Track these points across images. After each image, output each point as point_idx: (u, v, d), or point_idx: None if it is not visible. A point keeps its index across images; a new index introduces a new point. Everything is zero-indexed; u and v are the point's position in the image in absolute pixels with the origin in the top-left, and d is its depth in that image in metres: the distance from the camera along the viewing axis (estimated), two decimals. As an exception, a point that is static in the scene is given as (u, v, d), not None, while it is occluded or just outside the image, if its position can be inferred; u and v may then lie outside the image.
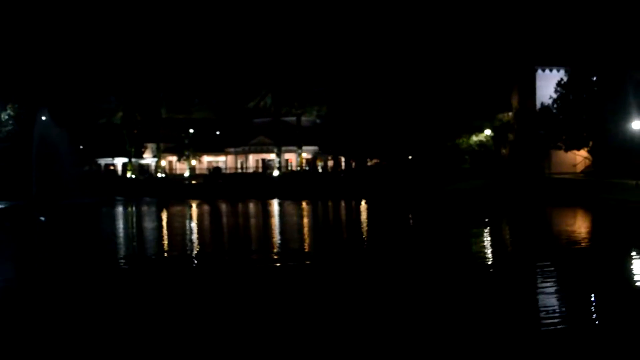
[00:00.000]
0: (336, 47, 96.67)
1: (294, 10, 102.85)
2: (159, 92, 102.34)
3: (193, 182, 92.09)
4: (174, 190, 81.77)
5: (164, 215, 49.35)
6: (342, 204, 58.42)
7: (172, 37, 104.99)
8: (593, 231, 33.90)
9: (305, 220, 42.49)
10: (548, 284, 18.41)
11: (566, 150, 70.77)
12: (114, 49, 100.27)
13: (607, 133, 65.32)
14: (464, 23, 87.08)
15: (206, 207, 57.53)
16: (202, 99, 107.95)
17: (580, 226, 36.14)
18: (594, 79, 69.02)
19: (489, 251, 25.93)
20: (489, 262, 23.03)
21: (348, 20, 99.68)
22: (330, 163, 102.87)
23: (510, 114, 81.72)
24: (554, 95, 71.17)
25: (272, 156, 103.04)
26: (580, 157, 72.98)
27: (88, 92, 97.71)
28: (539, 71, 77.20)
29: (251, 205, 58.28)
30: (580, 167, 73.33)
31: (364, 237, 32.77)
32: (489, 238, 30.83)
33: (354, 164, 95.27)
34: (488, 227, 35.54)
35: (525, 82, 79.26)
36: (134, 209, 58.05)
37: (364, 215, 47.00)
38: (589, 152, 71.54)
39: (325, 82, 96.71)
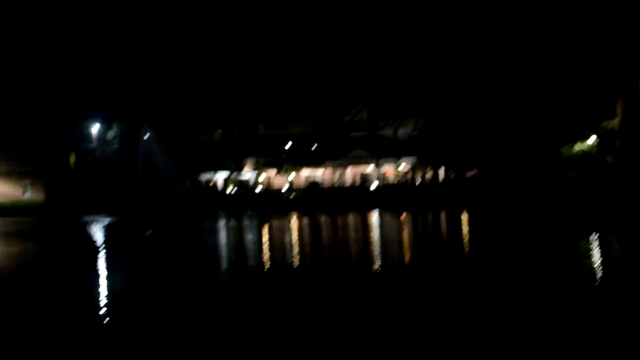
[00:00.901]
0: (432, 58, 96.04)
1: (387, 24, 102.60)
2: (256, 110, 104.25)
3: (292, 195, 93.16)
4: (274, 204, 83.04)
5: (268, 229, 50.15)
6: (445, 215, 57.99)
7: (269, 55, 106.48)
8: None
9: (405, 232, 42.45)
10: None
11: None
12: (213, 71, 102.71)
13: None
14: (566, 28, 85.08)
15: (307, 221, 58.13)
16: (299, 114, 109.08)
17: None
18: None
19: (603, 268, 25.03)
20: (603, 280, 22.27)
21: (443, 30, 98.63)
22: (429, 174, 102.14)
23: (614, 121, 79.49)
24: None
25: (369, 168, 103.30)
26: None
27: (189, 112, 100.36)
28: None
29: (351, 218, 58.55)
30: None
31: (475, 249, 32.49)
32: (604, 252, 29.81)
33: (453, 174, 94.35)
34: (602, 240, 34.31)
35: (629, 89, 76.95)
36: (237, 223, 59.17)
37: (467, 227, 46.51)
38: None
39: (422, 94, 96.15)
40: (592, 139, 78.42)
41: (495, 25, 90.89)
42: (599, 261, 25.20)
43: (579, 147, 78.58)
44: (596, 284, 19.94)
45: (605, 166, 77.35)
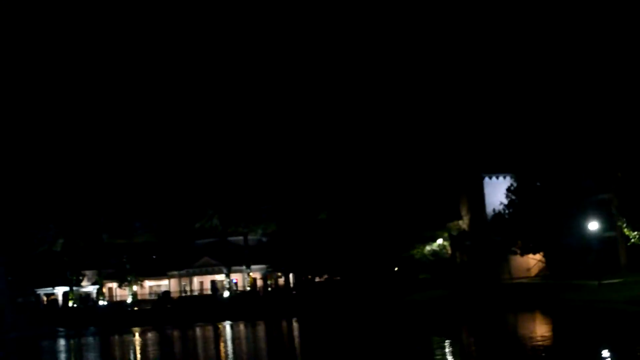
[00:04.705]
0: (281, 164, 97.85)
1: (237, 127, 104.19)
2: (100, 217, 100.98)
3: (136, 308, 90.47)
4: (117, 318, 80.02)
5: (110, 348, 47.86)
6: (294, 324, 57.53)
7: (114, 160, 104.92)
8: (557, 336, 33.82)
9: (255, 345, 41.87)
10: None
11: (522, 255, 71.64)
12: (53, 174, 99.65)
13: (560, 235, 66.41)
14: (409, 134, 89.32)
15: (153, 336, 55.89)
16: (144, 223, 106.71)
17: (544, 332, 36.06)
18: (538, 184, 70.63)
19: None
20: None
21: (290, 140, 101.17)
22: (281, 281, 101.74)
23: (460, 222, 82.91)
24: (504, 201, 72.62)
25: (218, 277, 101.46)
26: (534, 260, 73.83)
27: (26, 220, 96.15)
28: (486, 179, 79.02)
29: (202, 330, 56.93)
30: (534, 271, 74.13)
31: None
32: (447, 352, 30.46)
33: (303, 280, 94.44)
34: (445, 341, 34.97)
35: (473, 190, 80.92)
36: (77, 341, 56.13)
37: (319, 336, 46.26)
38: (543, 255, 72.52)
39: (273, 199, 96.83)
40: (441, 240, 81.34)
41: (352, 133, 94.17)
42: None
43: (429, 248, 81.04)
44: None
45: (456, 266, 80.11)
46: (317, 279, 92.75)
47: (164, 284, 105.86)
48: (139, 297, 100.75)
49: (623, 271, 60.50)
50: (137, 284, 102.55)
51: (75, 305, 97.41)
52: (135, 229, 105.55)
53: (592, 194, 67.20)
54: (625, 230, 58.45)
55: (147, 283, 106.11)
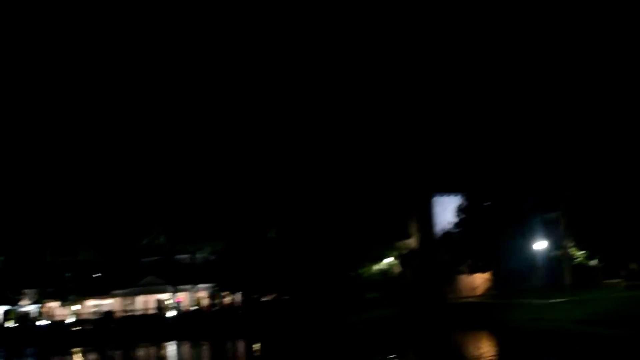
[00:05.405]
0: (229, 181, 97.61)
1: (184, 144, 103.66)
2: (41, 234, 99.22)
3: (78, 328, 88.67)
4: (58, 339, 78.42)
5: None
6: (241, 344, 57.08)
7: (59, 175, 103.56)
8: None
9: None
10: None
11: (470, 274, 72.20)
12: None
13: (506, 254, 67.04)
14: (357, 154, 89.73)
15: (94, 357, 54.92)
16: (88, 240, 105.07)
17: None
18: (487, 203, 71.24)
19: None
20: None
21: (237, 157, 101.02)
22: (227, 300, 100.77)
23: (409, 241, 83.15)
24: (453, 220, 73.03)
25: (163, 296, 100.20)
26: (480, 279, 74.38)
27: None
28: (436, 197, 79.25)
29: (145, 351, 56.11)
30: (481, 290, 74.64)
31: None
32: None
33: (250, 299, 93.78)
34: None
35: (422, 208, 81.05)
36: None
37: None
38: (491, 274, 73.13)
39: (221, 216, 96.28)
40: (390, 259, 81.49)
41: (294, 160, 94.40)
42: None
43: (377, 267, 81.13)
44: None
45: (404, 285, 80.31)
46: (264, 298, 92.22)
47: (107, 303, 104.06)
48: (81, 317, 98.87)
49: (568, 290, 61.23)
50: (79, 303, 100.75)
51: (14, 324, 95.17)
52: (79, 246, 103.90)
53: (540, 212, 68.03)
54: (573, 249, 59.33)
55: (90, 302, 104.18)
